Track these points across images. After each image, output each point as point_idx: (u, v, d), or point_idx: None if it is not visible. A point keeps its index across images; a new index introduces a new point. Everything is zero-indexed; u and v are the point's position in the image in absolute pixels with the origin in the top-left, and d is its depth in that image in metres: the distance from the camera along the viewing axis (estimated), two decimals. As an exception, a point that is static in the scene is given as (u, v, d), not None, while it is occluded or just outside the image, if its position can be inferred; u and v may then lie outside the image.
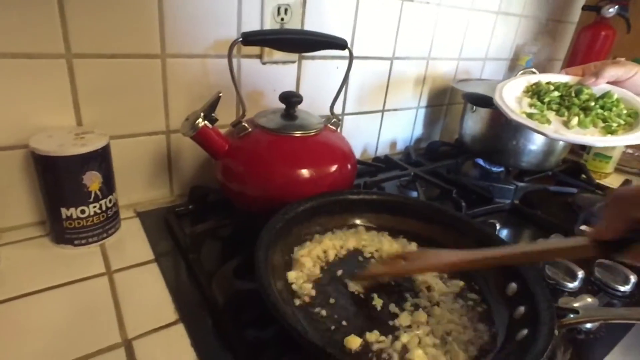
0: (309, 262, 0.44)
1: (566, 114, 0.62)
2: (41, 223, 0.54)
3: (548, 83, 0.67)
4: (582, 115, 0.61)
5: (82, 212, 0.49)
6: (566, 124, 0.60)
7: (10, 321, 0.39)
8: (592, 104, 0.62)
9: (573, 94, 0.63)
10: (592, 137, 0.58)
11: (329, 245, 0.47)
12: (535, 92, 0.66)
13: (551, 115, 0.62)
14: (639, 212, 0.31)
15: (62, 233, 0.50)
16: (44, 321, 0.40)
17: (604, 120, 0.60)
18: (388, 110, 0.88)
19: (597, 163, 0.93)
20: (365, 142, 0.88)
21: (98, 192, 0.49)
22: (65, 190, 0.47)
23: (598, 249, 0.34)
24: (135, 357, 0.37)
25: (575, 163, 0.91)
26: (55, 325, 0.39)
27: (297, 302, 0.40)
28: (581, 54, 1.10)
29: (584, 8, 1.12)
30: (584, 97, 0.63)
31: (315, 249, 0.46)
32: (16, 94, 0.48)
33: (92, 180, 0.48)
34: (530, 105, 0.64)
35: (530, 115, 0.61)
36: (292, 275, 0.42)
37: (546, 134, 0.59)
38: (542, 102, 0.64)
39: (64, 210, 0.48)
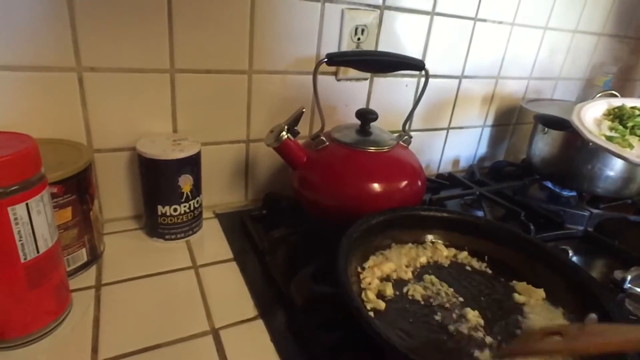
0: (379, 272, 0.46)
1: None
2: (136, 217, 0.61)
3: (633, 107, 0.64)
4: None
5: (175, 210, 0.54)
6: None
7: (113, 302, 0.45)
8: None
9: None
10: None
11: (401, 261, 0.49)
12: (618, 116, 0.63)
13: (634, 140, 0.59)
14: None
15: (155, 227, 0.56)
16: (141, 304, 0.45)
17: None
18: (453, 128, 0.88)
19: (684, 193, 0.85)
20: (429, 159, 0.89)
21: (189, 194, 0.55)
22: (163, 189, 0.53)
23: None
24: (223, 345, 0.40)
25: (658, 192, 0.84)
26: (152, 309, 0.44)
27: (368, 306, 0.42)
28: (668, 75, 1.03)
29: (672, 26, 1.05)
30: None
31: (387, 263, 0.48)
32: (128, 103, 0.55)
33: (185, 183, 0.54)
34: (611, 129, 0.62)
35: (610, 139, 0.59)
36: (365, 282, 0.45)
37: (628, 159, 0.56)
38: (625, 127, 0.61)
39: (159, 208, 0.54)
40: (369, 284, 0.44)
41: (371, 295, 0.42)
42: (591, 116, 0.65)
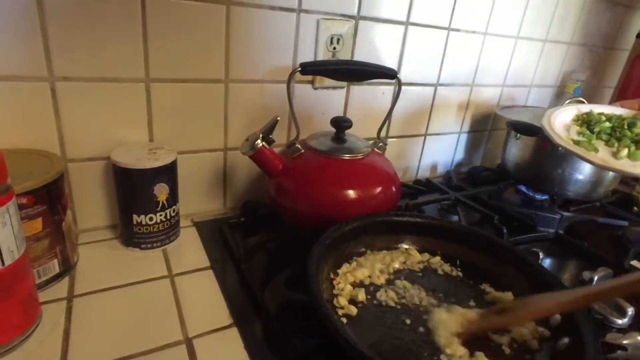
0: (352, 278, 0.47)
1: (616, 145, 0.61)
2: (112, 227, 0.60)
3: (600, 114, 0.66)
4: (633, 148, 0.60)
5: (150, 219, 0.54)
6: (615, 154, 0.60)
7: (85, 314, 0.44)
8: None
9: (626, 126, 0.63)
10: None
11: (375, 267, 0.50)
12: (586, 122, 0.66)
13: (600, 144, 0.62)
14: None
15: (131, 237, 0.55)
16: (114, 315, 0.45)
17: None
18: (430, 134, 0.90)
19: (650, 196, 0.89)
20: (407, 165, 0.90)
21: (165, 202, 0.55)
22: (138, 199, 0.53)
23: None
24: (196, 355, 0.40)
25: (626, 195, 0.88)
26: (125, 319, 0.44)
27: (340, 312, 0.43)
28: (635, 83, 1.07)
29: (638, 36, 1.10)
30: (637, 130, 0.62)
31: (361, 270, 0.48)
32: (102, 112, 0.54)
33: (161, 191, 0.54)
34: (579, 134, 0.64)
35: (577, 143, 0.61)
36: (338, 288, 0.45)
37: (592, 162, 0.58)
38: (592, 132, 0.64)
39: (135, 217, 0.54)
40: (342, 290, 0.45)
41: (343, 301, 0.43)
42: (561, 122, 0.67)
